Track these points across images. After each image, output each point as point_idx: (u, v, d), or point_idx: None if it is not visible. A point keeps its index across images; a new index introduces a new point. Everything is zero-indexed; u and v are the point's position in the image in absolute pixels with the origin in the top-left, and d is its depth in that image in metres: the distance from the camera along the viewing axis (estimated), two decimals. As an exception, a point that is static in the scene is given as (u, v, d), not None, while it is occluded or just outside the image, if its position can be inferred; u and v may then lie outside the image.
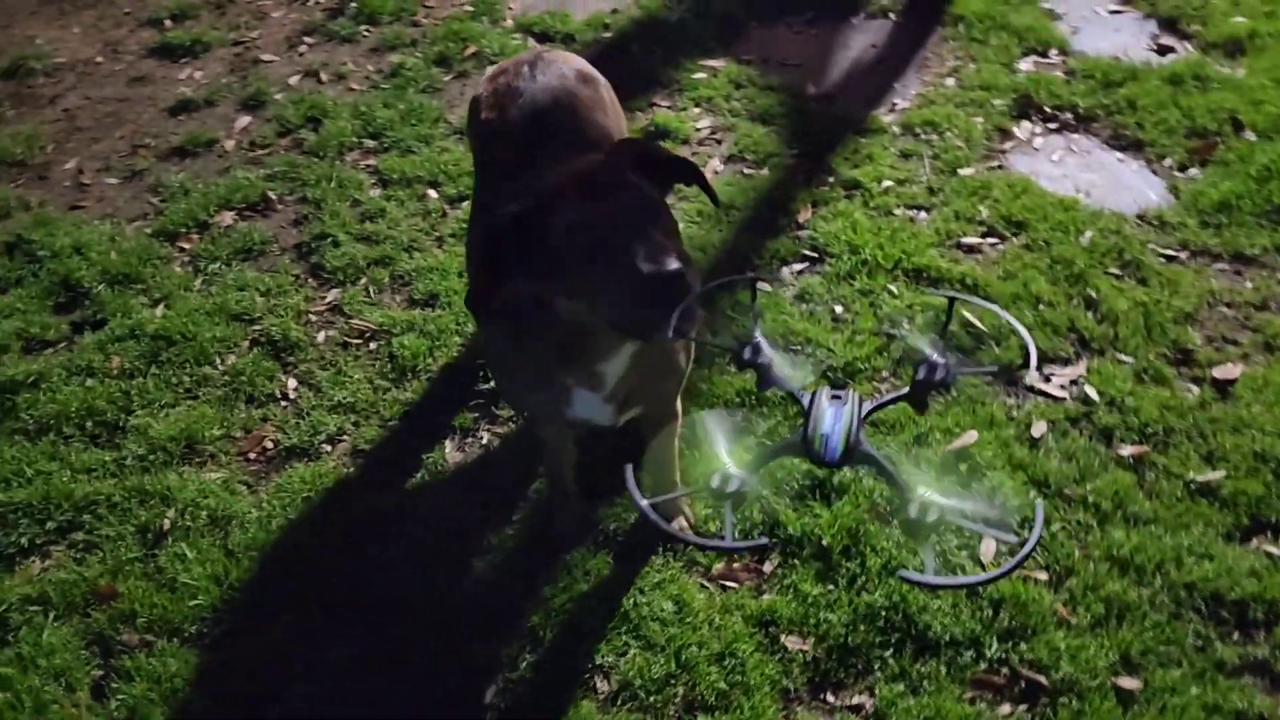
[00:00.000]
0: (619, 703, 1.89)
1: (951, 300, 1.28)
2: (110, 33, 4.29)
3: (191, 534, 2.18)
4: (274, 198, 3.25)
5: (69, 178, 3.44)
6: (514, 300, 1.54)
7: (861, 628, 1.97)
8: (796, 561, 2.10)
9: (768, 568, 2.11)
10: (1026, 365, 1.24)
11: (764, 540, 1.10)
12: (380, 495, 2.26)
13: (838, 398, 1.17)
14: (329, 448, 2.40)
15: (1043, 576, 2.06)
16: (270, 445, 2.41)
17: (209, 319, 2.73)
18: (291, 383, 2.58)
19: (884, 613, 1.98)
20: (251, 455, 2.40)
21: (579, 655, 1.94)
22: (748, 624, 1.99)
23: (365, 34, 4.20)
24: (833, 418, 1.15)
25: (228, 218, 3.18)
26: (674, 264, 1.34)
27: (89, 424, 2.45)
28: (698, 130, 3.55)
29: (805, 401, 1.17)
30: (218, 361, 2.63)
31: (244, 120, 3.70)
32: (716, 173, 3.35)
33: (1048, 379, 2.55)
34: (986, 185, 3.19)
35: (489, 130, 2.00)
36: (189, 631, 2.01)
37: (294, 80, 3.90)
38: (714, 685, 1.89)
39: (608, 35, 4.16)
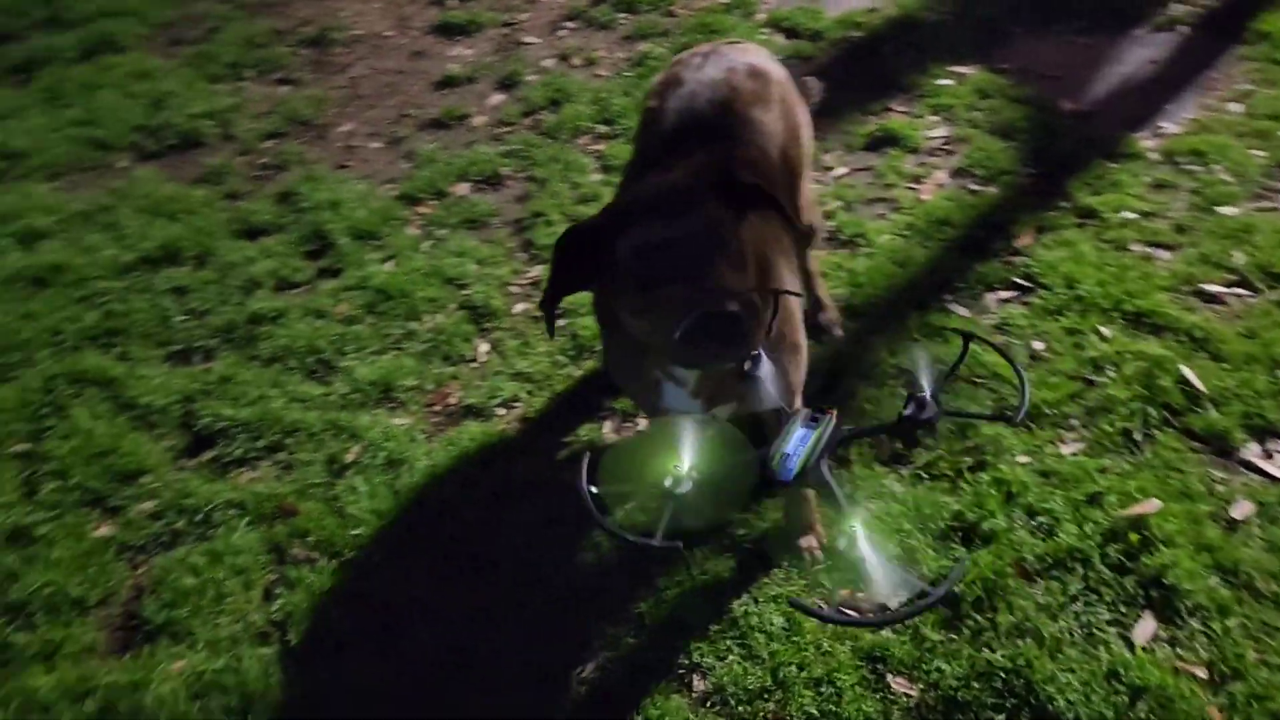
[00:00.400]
0: (709, 705, 1.90)
1: (966, 339, 1.24)
2: (404, 8, 4.73)
3: (368, 470, 2.41)
4: (505, 174, 3.48)
5: (342, 139, 3.86)
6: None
7: (976, 685, 1.86)
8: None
9: (892, 604, 2.04)
10: (1013, 419, 1.23)
11: (678, 543, 1.14)
12: (535, 463, 2.39)
13: (815, 420, 1.18)
14: (502, 411, 2.56)
15: (1201, 674, 1.85)
16: (453, 402, 2.61)
17: (425, 280, 2.99)
18: (483, 347, 2.78)
19: (1003, 674, 1.86)
20: (435, 408, 2.61)
21: (679, 650, 1.98)
22: (855, 655, 1.93)
23: (622, 21, 4.37)
24: (799, 439, 1.19)
25: (463, 188, 3.45)
26: (725, 306, 1.33)
27: (309, 360, 2.77)
28: (929, 139, 3.42)
29: (784, 419, 1.18)
30: (425, 319, 2.87)
31: (496, 98, 3.97)
32: (940, 185, 3.22)
33: (1269, 455, 2.26)
34: (1249, 228, 2.85)
35: (648, 118, 2.05)
36: (347, 556, 2.23)
37: (548, 63, 4.14)
38: (805, 708, 1.86)
39: (858, 34, 4.08)
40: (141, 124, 4.03)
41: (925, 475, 2.26)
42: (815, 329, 2.65)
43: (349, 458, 2.46)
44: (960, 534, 2.11)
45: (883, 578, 1.09)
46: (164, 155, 3.89)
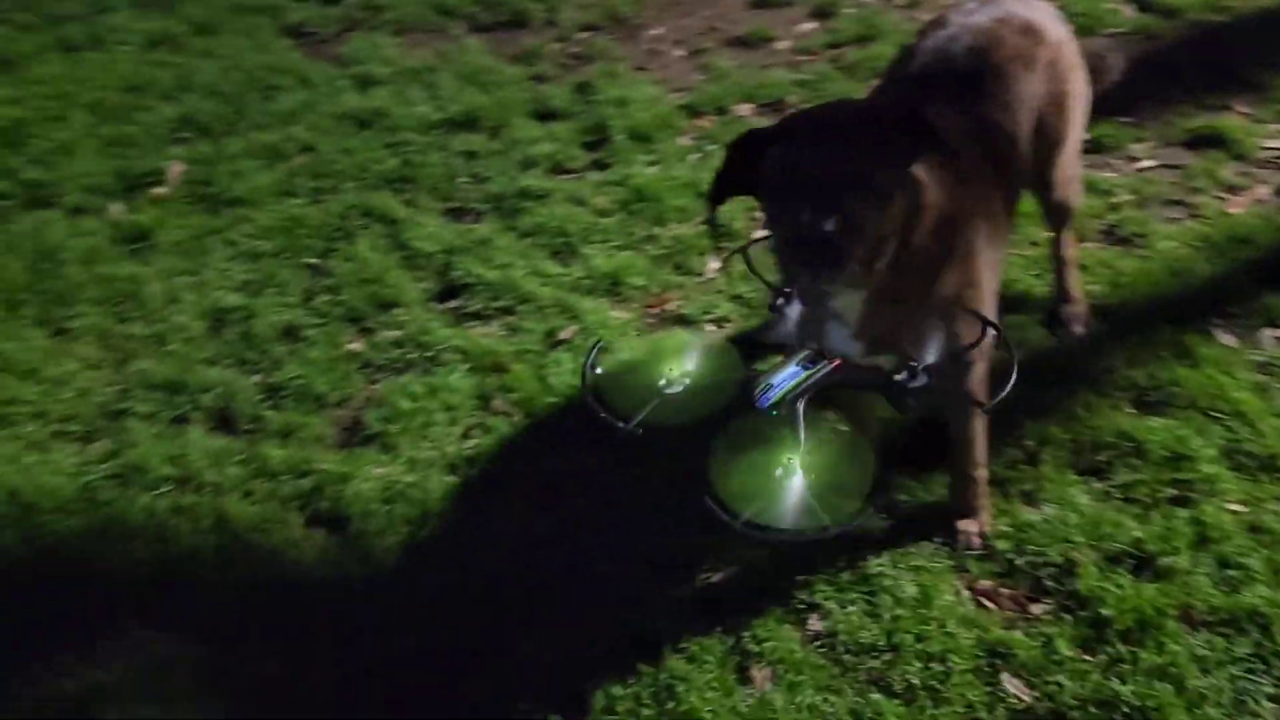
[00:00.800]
0: (817, 645, 1.94)
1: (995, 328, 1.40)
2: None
3: (577, 350, 2.60)
4: (791, 102, 3.49)
5: (649, 42, 4.02)
6: None
7: (1094, 710, 1.77)
8: (1069, 617, 1.93)
9: (1036, 609, 1.96)
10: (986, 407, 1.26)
11: (639, 430, 1.31)
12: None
13: (813, 363, 1.28)
14: (711, 327, 2.66)
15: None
16: (670, 308, 2.74)
17: (681, 190, 3.10)
18: (713, 264, 2.87)
19: (1127, 710, 1.75)
20: (653, 310, 2.75)
21: (806, 587, 2.02)
22: (978, 645, 1.89)
23: (961, -33, 4.16)
24: (788, 375, 1.28)
25: (745, 109, 3.51)
26: (826, 224, 1.32)
27: (557, 240, 2.99)
28: (1264, 149, 3.06)
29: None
30: (670, 226, 3.00)
31: (807, 26, 3.96)
32: (1258, 201, 2.89)
33: None
34: None
35: (901, 53, 2.02)
36: (539, 419, 2.44)
37: (870, -1, 4.06)
38: (909, 676, 1.85)
39: (1220, 19, 3.67)
40: (482, -2, 4.40)
41: (1118, 494, 2.12)
42: (1055, 320, 2.52)
43: (564, 335, 2.66)
44: (1132, 562, 1.98)
45: (793, 511, 1.21)
46: (492, 29, 4.24)
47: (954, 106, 1.87)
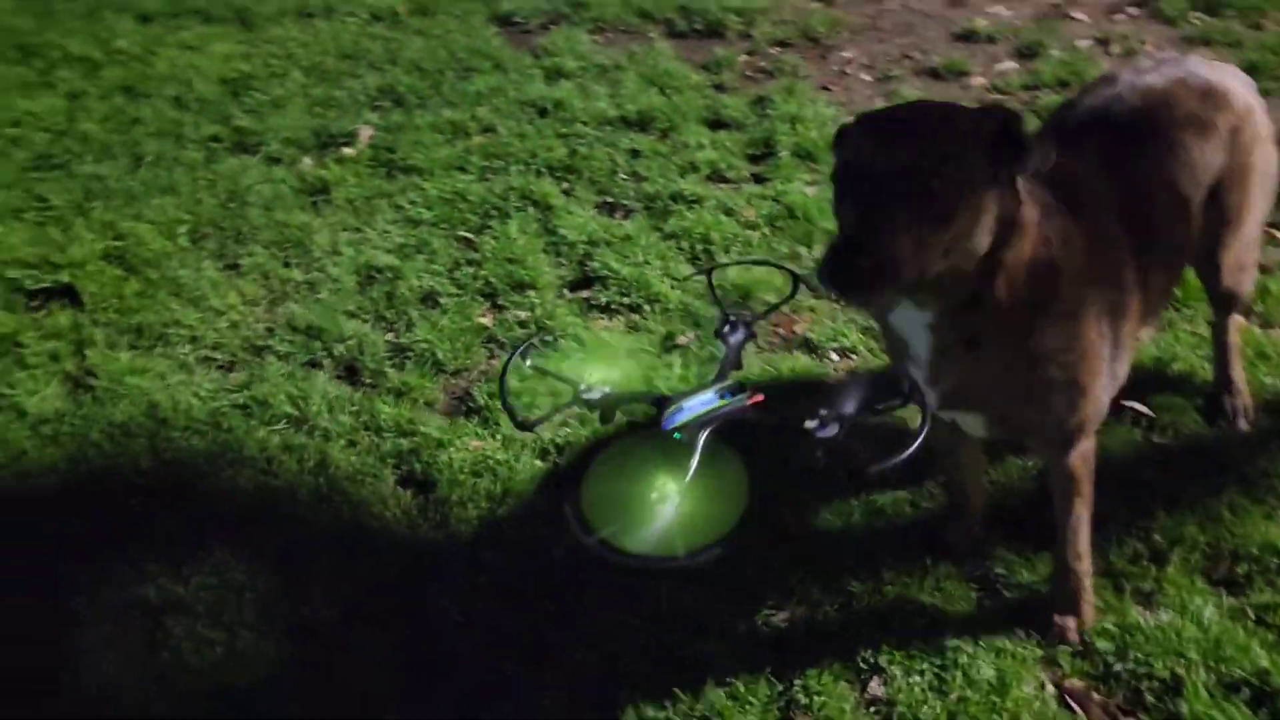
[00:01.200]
0: (871, 710, 1.81)
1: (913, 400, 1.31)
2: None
3: (689, 356, 2.55)
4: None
5: (839, 64, 3.92)
6: None
7: None
8: (1163, 741, 1.71)
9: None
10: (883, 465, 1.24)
11: (536, 428, 1.39)
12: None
13: (730, 394, 1.28)
14: (835, 356, 2.56)
15: None
16: (797, 330, 2.65)
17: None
18: (854, 293, 2.75)
19: None
20: (779, 330, 2.67)
21: (872, 647, 1.89)
22: (1050, 749, 1.72)
23: (1194, 21, 3.86)
24: (701, 401, 1.26)
25: (920, 141, 3.35)
26: (860, 231, 1.25)
27: (697, 246, 2.95)
28: None
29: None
30: (814, 248, 2.90)
31: (1006, 65, 3.76)
32: None
33: None
34: None
35: (1060, 108, 1.86)
36: (631, 423, 2.40)
37: (1082, 43, 3.81)
38: (962, 766, 1.70)
39: None
40: (684, 4, 4.41)
41: (1251, 614, 1.88)
42: (1216, 409, 2.26)
43: (681, 340, 2.62)
44: (1250, 693, 1.74)
45: (653, 538, 1.20)
46: (686, 36, 4.25)
47: (1104, 167, 1.70)
